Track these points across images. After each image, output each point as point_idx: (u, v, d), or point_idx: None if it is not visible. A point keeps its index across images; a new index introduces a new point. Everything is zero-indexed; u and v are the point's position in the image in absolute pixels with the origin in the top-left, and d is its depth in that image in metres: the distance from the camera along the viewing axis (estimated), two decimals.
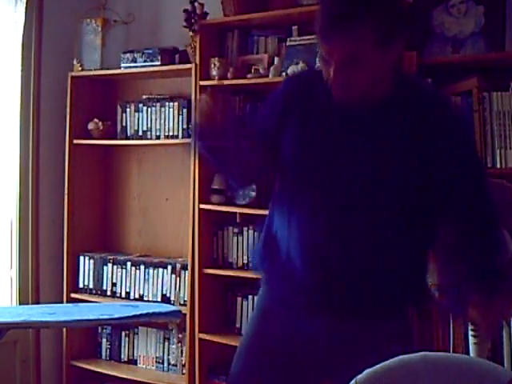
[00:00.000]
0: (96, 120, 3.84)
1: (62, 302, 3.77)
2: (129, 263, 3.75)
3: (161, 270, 3.64)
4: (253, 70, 3.33)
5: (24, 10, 3.62)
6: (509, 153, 2.65)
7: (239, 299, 3.41)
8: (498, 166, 2.66)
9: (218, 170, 2.06)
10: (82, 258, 3.87)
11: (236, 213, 3.41)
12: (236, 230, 3.41)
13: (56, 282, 3.86)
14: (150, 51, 3.60)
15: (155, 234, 3.90)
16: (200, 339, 3.39)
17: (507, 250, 1.92)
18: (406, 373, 1.35)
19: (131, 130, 3.78)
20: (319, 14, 1.70)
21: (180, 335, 3.60)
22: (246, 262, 3.38)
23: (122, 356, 3.83)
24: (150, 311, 2.79)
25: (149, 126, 3.71)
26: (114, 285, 3.79)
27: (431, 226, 1.75)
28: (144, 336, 3.76)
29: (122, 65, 3.69)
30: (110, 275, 3.79)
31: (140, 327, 3.77)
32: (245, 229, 3.38)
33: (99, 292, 3.82)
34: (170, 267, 3.61)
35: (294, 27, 3.24)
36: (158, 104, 3.68)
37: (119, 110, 3.83)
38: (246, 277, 3.31)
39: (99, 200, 4.02)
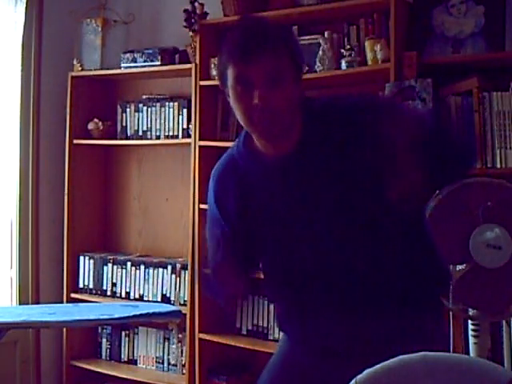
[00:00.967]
0: (96, 120, 3.84)
1: (62, 302, 3.77)
2: (129, 263, 3.75)
3: (161, 269, 3.64)
4: None
5: (24, 10, 3.63)
6: (509, 153, 2.65)
7: (239, 299, 3.41)
8: (498, 165, 2.66)
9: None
10: (81, 258, 3.87)
11: None
12: None
13: (56, 282, 3.86)
14: (150, 51, 3.60)
15: (155, 234, 3.90)
16: (200, 339, 3.39)
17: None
18: (405, 373, 1.35)
19: (131, 129, 3.78)
20: (226, 47, 1.67)
21: (180, 335, 3.60)
22: None
23: (122, 356, 3.83)
24: (150, 311, 2.78)
25: (149, 125, 3.71)
26: (114, 285, 3.79)
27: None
28: (144, 336, 3.76)
29: (122, 65, 3.69)
30: (109, 275, 3.79)
31: (140, 327, 3.77)
32: None
33: (99, 292, 3.82)
34: (170, 267, 3.61)
35: (294, 27, 3.24)
36: (158, 104, 3.68)
37: (119, 110, 3.83)
38: None
39: (99, 200, 4.02)
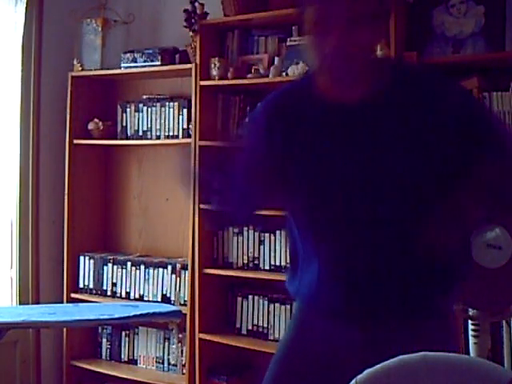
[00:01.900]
0: (96, 120, 3.84)
1: (62, 302, 3.77)
2: (129, 263, 3.75)
3: (161, 269, 3.64)
4: (253, 70, 3.33)
5: (24, 10, 3.63)
6: None
7: (239, 299, 3.41)
8: None
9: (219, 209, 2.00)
10: (82, 258, 3.87)
11: None
12: (236, 230, 3.40)
13: (56, 282, 3.86)
14: (150, 51, 3.60)
15: (155, 234, 3.90)
16: (200, 339, 3.39)
17: None
18: (406, 373, 1.35)
19: (131, 130, 3.79)
20: None
21: (180, 335, 3.60)
22: (246, 262, 3.38)
23: (122, 356, 3.83)
24: (150, 311, 2.79)
25: (149, 126, 3.71)
26: (114, 285, 3.79)
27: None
28: (144, 336, 3.76)
29: (122, 65, 3.69)
30: (110, 275, 3.79)
31: (140, 327, 3.77)
32: (245, 229, 3.38)
33: (99, 292, 3.82)
34: (170, 267, 3.61)
35: (294, 27, 3.25)
36: (158, 104, 3.68)
37: (119, 109, 3.83)
38: (246, 277, 3.32)
39: (99, 200, 4.02)
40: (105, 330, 3.89)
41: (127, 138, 3.80)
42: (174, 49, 3.61)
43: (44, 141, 3.83)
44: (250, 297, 3.37)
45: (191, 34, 3.43)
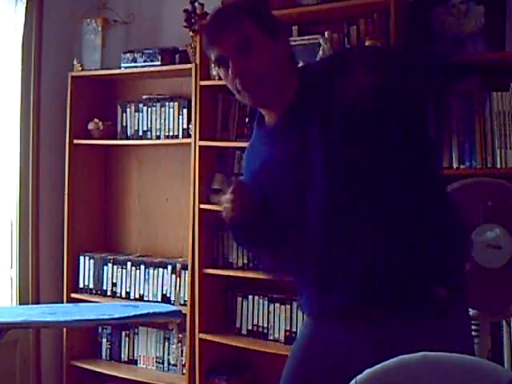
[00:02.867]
0: (96, 120, 3.84)
1: (62, 302, 3.77)
2: (129, 263, 3.75)
3: (161, 269, 3.64)
4: None
5: (24, 10, 3.63)
6: (509, 153, 2.65)
7: (239, 299, 3.41)
8: (498, 166, 2.66)
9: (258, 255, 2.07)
10: (82, 257, 3.87)
11: None
12: None
13: (56, 282, 3.86)
14: (150, 51, 3.60)
15: (155, 234, 3.90)
16: (200, 339, 3.39)
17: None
18: (406, 373, 1.35)
19: (131, 130, 3.79)
20: (203, 37, 1.74)
21: (180, 335, 3.60)
22: (246, 261, 3.38)
23: (122, 356, 3.84)
24: (151, 311, 2.79)
25: (149, 126, 3.71)
26: (114, 285, 3.79)
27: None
28: (144, 336, 3.76)
29: (122, 65, 3.69)
30: (110, 275, 3.79)
31: (140, 327, 3.77)
32: None
33: (99, 292, 3.82)
34: (170, 267, 3.61)
35: (294, 27, 3.25)
36: (158, 104, 3.68)
37: (119, 109, 3.83)
38: (246, 277, 3.32)
39: (99, 200, 4.02)
40: (105, 330, 3.89)
41: (127, 138, 3.80)
42: (174, 49, 3.61)
43: (44, 141, 3.83)
44: (250, 297, 3.37)
45: (191, 34, 3.43)
